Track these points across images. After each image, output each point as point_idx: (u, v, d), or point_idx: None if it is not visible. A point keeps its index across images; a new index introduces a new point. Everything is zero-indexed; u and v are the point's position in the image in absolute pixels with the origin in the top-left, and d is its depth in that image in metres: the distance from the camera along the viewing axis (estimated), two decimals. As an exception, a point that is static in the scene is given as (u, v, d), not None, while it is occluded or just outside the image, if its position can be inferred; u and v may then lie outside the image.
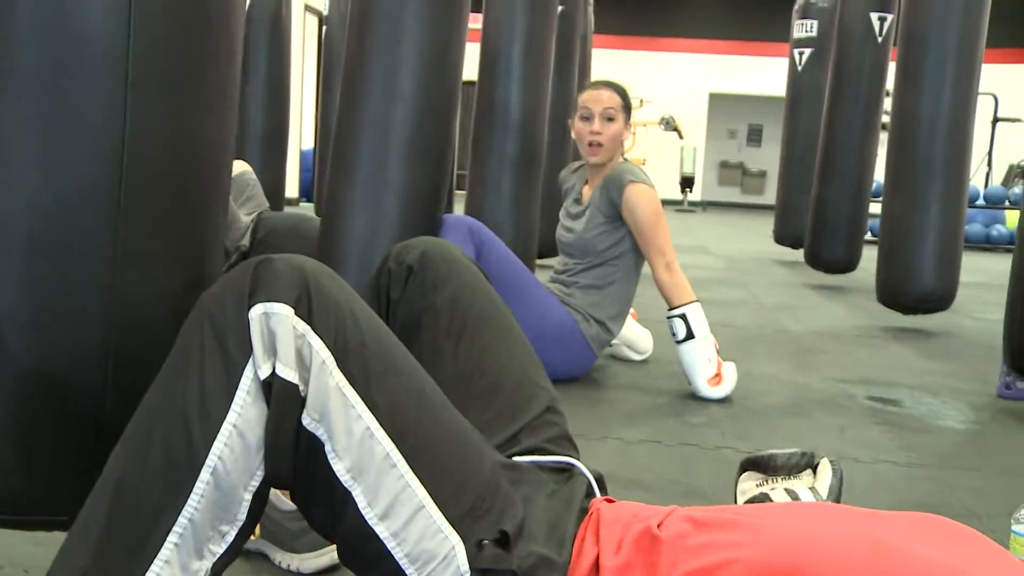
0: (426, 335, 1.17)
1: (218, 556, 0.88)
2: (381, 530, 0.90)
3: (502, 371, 1.19)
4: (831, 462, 1.41)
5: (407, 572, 0.91)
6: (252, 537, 1.07)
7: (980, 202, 8.38)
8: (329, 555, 1.29)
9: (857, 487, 1.73)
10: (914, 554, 0.89)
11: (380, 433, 0.90)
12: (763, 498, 1.35)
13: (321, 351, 0.88)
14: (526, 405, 1.18)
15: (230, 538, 0.89)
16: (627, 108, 2.51)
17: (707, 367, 2.35)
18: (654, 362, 2.77)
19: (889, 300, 3.62)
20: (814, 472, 1.42)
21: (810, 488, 1.38)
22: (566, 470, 1.12)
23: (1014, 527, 1.31)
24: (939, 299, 3.52)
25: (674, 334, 2.39)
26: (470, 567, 0.91)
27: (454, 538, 0.92)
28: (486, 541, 0.92)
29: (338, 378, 0.88)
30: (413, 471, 0.91)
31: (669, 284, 2.39)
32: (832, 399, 2.50)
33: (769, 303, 4.32)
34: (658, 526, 0.96)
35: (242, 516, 0.88)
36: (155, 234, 1.03)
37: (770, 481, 1.42)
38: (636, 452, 1.92)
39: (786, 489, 1.39)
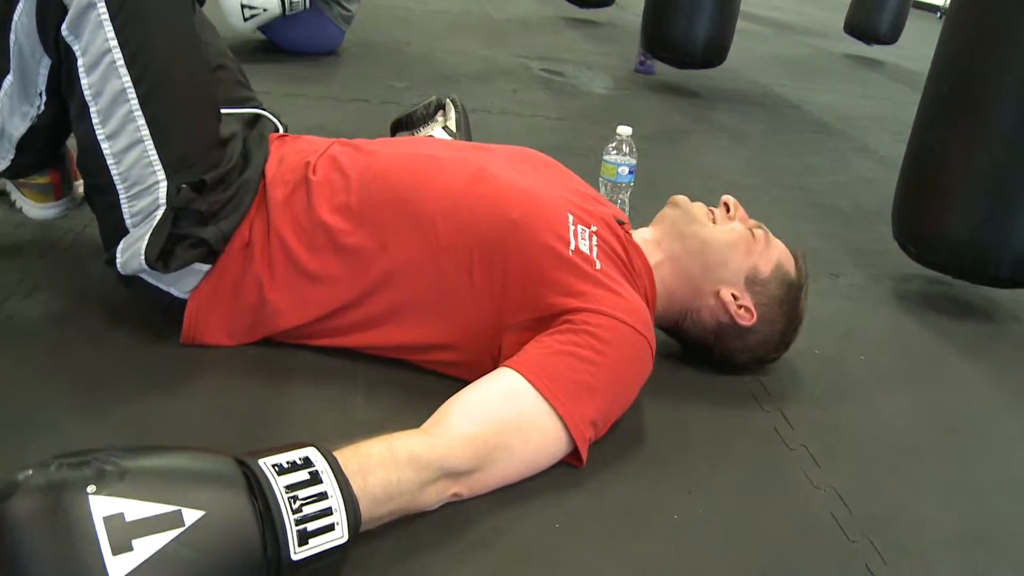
0: None
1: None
2: (105, 147, 1.04)
3: None
4: (452, 100, 1.56)
5: (118, 187, 1.06)
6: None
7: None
8: (56, 209, 1.39)
9: (514, 133, 2.31)
10: (504, 180, 1.15)
11: (123, 69, 1.01)
12: None
13: None
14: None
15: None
16: None
17: None
18: (381, 46, 3.15)
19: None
20: (445, 113, 1.55)
21: (443, 127, 1.52)
22: (254, 113, 1.30)
23: (604, 157, 1.82)
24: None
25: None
26: (166, 203, 1.06)
27: (161, 175, 1.05)
28: (184, 186, 1.06)
29: (101, 8, 0.99)
30: (143, 111, 1.02)
31: None
32: (512, 70, 3.12)
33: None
34: (313, 171, 1.15)
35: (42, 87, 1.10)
36: None
37: (415, 133, 1.55)
38: (348, 108, 2.37)
39: (427, 136, 1.51)
